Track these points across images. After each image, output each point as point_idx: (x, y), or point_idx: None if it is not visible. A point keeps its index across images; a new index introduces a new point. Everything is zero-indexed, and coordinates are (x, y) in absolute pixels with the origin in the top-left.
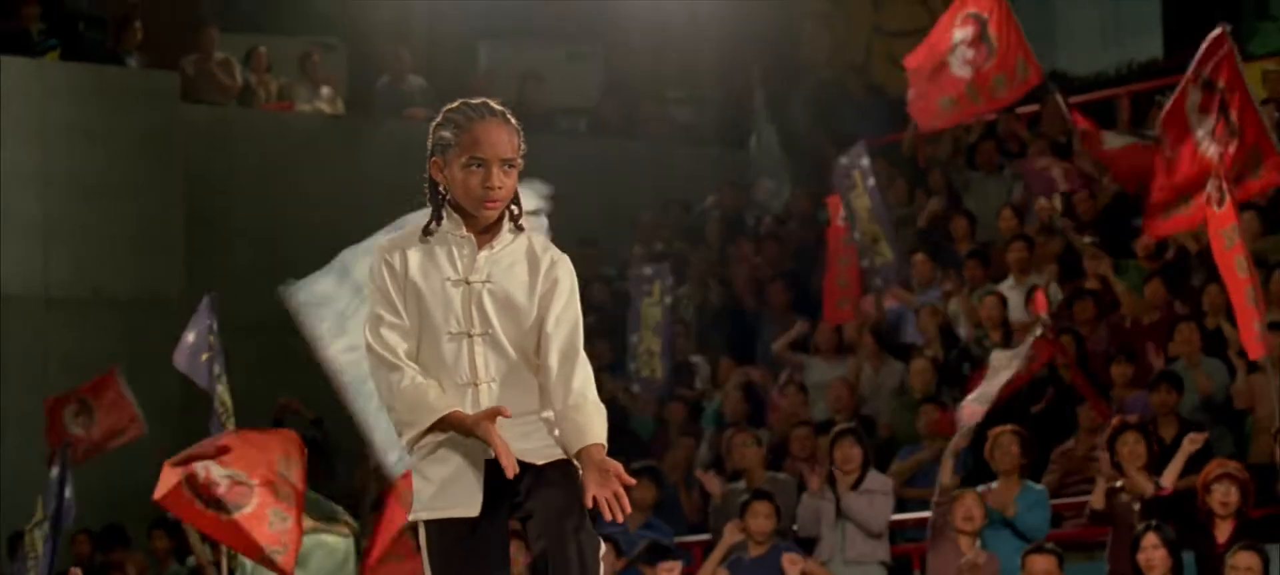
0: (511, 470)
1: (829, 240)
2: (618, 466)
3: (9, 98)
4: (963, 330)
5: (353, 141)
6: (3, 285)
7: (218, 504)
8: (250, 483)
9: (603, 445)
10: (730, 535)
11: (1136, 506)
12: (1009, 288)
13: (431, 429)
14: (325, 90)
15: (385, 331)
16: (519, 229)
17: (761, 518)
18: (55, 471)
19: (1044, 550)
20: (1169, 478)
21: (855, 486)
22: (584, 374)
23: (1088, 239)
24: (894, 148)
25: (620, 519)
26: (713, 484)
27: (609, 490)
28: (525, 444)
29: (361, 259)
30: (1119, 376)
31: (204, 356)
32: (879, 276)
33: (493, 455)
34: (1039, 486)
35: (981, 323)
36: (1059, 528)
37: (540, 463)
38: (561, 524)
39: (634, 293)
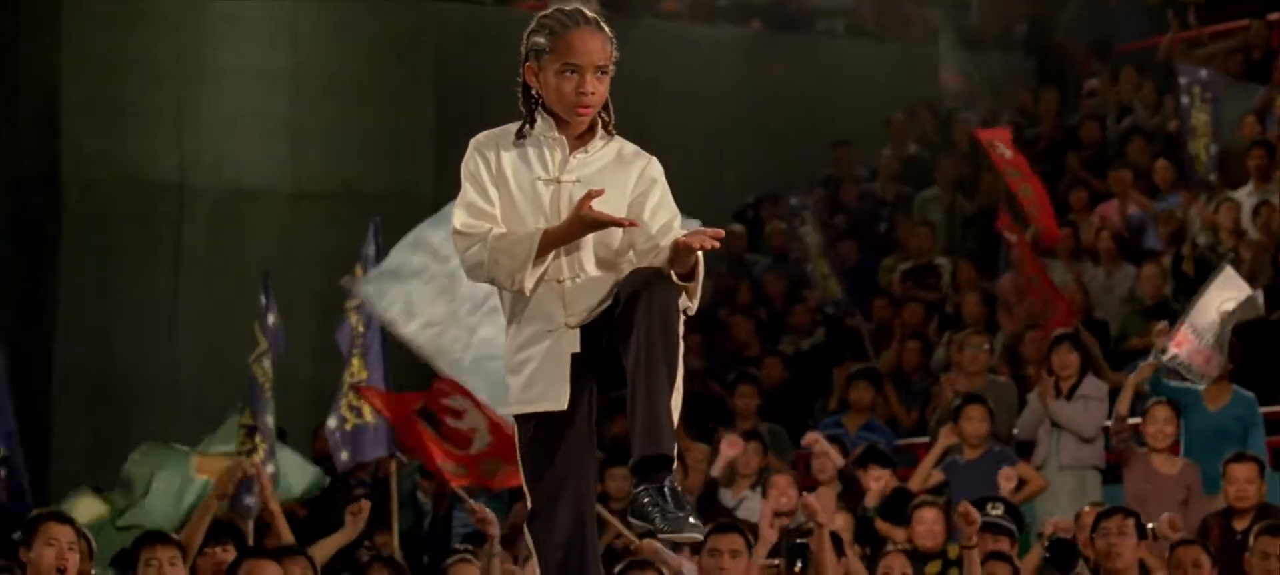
0: (633, 221)
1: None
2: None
3: None
4: (1200, 237)
5: None
6: (250, 182)
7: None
8: None
9: None
10: (944, 439)
11: None
12: (1246, 195)
13: (540, 255)
14: None
15: (472, 218)
16: (610, 135)
17: (975, 421)
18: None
19: (1245, 457)
20: None
21: (1071, 392)
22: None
23: None
24: (1150, 53)
25: (715, 247)
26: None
27: (697, 238)
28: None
29: (438, 228)
30: None
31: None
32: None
33: (578, 348)
34: (1248, 393)
35: (1217, 229)
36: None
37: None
38: (641, 280)
39: (792, 225)
